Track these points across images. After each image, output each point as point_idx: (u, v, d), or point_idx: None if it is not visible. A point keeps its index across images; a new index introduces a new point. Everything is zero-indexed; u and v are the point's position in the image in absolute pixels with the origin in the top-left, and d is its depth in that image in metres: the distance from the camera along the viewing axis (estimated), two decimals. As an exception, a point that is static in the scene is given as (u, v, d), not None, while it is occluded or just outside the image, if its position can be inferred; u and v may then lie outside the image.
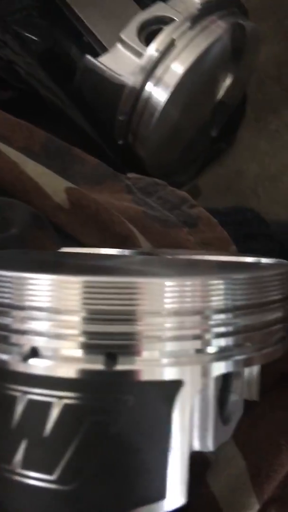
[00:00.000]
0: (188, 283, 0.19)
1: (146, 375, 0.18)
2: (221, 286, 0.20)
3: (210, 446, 0.21)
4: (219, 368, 0.20)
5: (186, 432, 0.18)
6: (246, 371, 0.25)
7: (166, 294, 0.19)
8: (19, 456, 0.19)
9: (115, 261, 0.27)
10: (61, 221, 0.35)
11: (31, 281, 0.19)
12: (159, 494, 0.18)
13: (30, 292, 0.19)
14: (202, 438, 0.21)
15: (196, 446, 0.21)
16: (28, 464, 0.19)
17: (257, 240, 0.40)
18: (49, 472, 0.18)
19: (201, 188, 0.60)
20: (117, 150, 0.51)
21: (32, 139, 0.41)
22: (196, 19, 0.46)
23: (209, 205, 0.43)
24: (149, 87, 0.46)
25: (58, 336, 0.18)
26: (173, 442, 0.18)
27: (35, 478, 0.19)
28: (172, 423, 0.18)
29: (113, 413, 0.18)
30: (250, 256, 0.26)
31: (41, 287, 0.18)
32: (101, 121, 0.50)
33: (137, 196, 0.41)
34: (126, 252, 0.30)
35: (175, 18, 0.47)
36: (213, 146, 0.60)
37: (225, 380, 0.24)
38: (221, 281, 0.20)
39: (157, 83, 0.46)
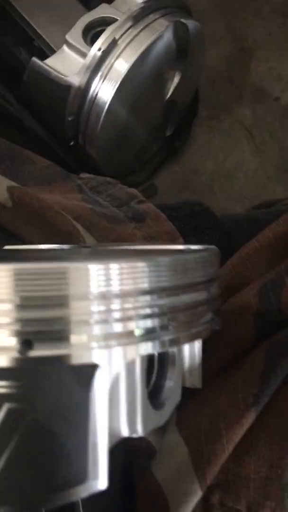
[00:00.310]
0: (113, 266, 0.19)
1: (61, 361, 0.18)
2: (145, 269, 0.20)
3: (139, 430, 0.21)
4: (145, 349, 0.20)
5: (105, 417, 0.18)
6: (186, 357, 0.25)
7: (90, 278, 0.19)
8: None
9: (50, 254, 0.27)
10: (4, 219, 0.35)
11: None
12: (81, 477, 0.18)
13: None
14: (131, 422, 0.21)
15: (125, 431, 0.21)
16: None
17: (205, 232, 0.41)
18: None
19: (158, 187, 0.61)
20: (69, 152, 0.51)
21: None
22: (137, 18, 0.46)
23: (166, 203, 0.43)
24: (95, 86, 0.46)
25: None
26: (92, 425, 0.18)
27: None
28: (90, 407, 0.18)
29: (29, 399, 0.18)
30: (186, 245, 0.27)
31: None
32: (51, 123, 0.50)
33: (88, 195, 0.41)
34: (65, 247, 0.31)
35: (118, 18, 0.47)
36: (168, 145, 0.61)
37: (160, 366, 0.24)
38: (144, 263, 0.20)
39: (102, 81, 0.46)
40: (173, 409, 0.24)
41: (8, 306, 0.18)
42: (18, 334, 0.18)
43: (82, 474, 0.18)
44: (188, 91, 0.57)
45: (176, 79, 0.53)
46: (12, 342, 0.18)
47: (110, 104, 0.46)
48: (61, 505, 0.19)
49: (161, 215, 0.41)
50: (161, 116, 0.57)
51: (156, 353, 0.22)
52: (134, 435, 0.21)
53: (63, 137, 0.50)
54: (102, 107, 0.46)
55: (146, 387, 0.21)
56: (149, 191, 0.59)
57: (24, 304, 0.18)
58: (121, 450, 0.25)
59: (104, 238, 0.37)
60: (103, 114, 0.47)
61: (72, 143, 0.50)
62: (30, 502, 0.18)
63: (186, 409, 0.27)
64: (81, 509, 0.22)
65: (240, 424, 0.25)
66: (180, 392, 0.25)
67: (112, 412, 0.20)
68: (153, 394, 0.23)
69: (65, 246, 0.31)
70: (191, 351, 0.25)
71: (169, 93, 0.53)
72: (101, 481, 0.18)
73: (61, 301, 0.19)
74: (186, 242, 0.39)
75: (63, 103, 0.47)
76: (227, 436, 0.25)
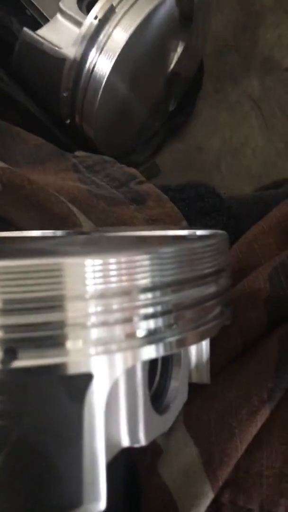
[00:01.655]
0: (110, 260, 0.17)
1: (51, 371, 0.16)
2: (147, 262, 0.18)
3: (142, 440, 0.19)
4: (149, 352, 0.18)
5: (100, 431, 0.16)
6: (193, 352, 0.23)
7: (83, 276, 0.16)
8: None
9: (42, 244, 0.25)
10: (-7, 204, 0.32)
11: None
12: (75, 501, 0.16)
13: None
14: (132, 431, 0.19)
15: (126, 441, 0.19)
16: None
17: (210, 216, 0.38)
18: None
19: (161, 166, 0.58)
20: (65, 130, 0.48)
21: None
22: (136, -18, 0.43)
23: (170, 183, 0.41)
24: (92, 58, 0.43)
25: None
26: (87, 442, 0.16)
27: None
28: (84, 422, 0.16)
29: (15, 415, 0.15)
30: (191, 229, 0.24)
31: None
32: (45, 99, 0.47)
33: (84, 175, 0.39)
34: (59, 233, 0.28)
35: (115, -17, 0.44)
36: (171, 121, 0.58)
37: (164, 365, 0.22)
38: (145, 256, 0.18)
39: (99, 53, 0.43)
40: (179, 411, 0.22)
41: None
42: (0, 342, 0.16)
43: (76, 498, 0.16)
44: (192, 62, 0.54)
45: (179, 49, 0.49)
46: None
47: (108, 78, 0.43)
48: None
49: (163, 196, 0.38)
50: (163, 90, 0.53)
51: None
52: (136, 445, 0.19)
53: (59, 115, 0.47)
54: (100, 81, 0.43)
55: (149, 390, 0.19)
56: (152, 171, 0.56)
57: (7, 307, 0.16)
58: (123, 450, 0.24)
59: (103, 222, 0.34)
60: (101, 89, 0.43)
61: (68, 122, 0.47)
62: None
63: (193, 405, 0.25)
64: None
65: (254, 421, 0.23)
66: (187, 392, 0.23)
67: (111, 421, 0.18)
68: (157, 397, 0.21)
69: (59, 232, 0.29)
70: (198, 346, 0.23)
71: (172, 65, 0.50)
72: (99, 503, 0.16)
73: (52, 303, 0.16)
74: (190, 225, 0.36)
75: (58, 78, 0.44)
76: (240, 436, 0.23)
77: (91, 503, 0.16)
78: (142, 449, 0.25)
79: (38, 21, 0.49)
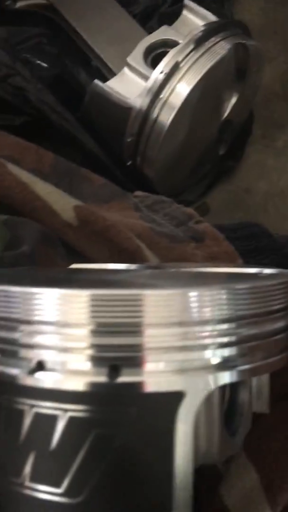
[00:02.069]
0: (191, 294, 0.19)
1: (149, 387, 0.18)
2: (224, 296, 0.20)
3: (216, 458, 0.21)
4: (223, 378, 0.20)
5: (190, 444, 0.18)
6: (254, 382, 0.25)
7: (170, 306, 0.19)
8: (27, 469, 0.19)
9: (122, 275, 0.28)
10: (70, 238, 0.36)
11: (38, 296, 0.19)
12: (165, 507, 0.18)
13: (38, 307, 0.19)
14: (208, 451, 0.21)
15: (201, 459, 0.21)
16: (37, 477, 0.19)
17: (264, 254, 0.40)
18: (56, 485, 0.18)
19: (210, 206, 0.61)
20: (126, 171, 0.52)
21: (41, 161, 0.42)
22: (199, 41, 0.47)
23: (219, 222, 0.43)
24: (156, 108, 0.47)
25: (64, 350, 0.19)
26: (178, 454, 0.18)
27: (43, 491, 0.19)
28: (176, 434, 0.18)
29: (117, 425, 0.18)
30: (254, 267, 0.27)
31: (49, 301, 0.19)
32: (110, 143, 0.51)
33: (144, 213, 0.42)
34: (133, 266, 0.31)
35: (179, 41, 0.48)
36: (221, 164, 0.61)
37: (232, 392, 0.24)
38: (224, 291, 0.20)
39: (163, 104, 0.47)
40: (244, 435, 0.24)
41: (84, 332, 0.19)
42: (105, 359, 0.19)
43: (167, 504, 0.18)
44: (244, 110, 0.58)
45: (233, 99, 0.53)
46: (97, 367, 0.18)
47: (170, 127, 0.47)
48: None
49: (220, 235, 0.41)
50: (216, 135, 0.57)
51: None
52: (209, 463, 0.21)
53: (121, 157, 0.51)
54: (162, 129, 0.47)
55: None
56: (201, 210, 0.59)
57: (110, 330, 0.19)
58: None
59: (165, 258, 0.37)
60: (163, 136, 0.47)
61: (129, 163, 0.51)
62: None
63: (251, 433, 0.27)
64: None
65: None
66: (251, 419, 0.25)
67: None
68: (227, 421, 0.23)
69: (131, 266, 0.32)
70: (260, 376, 0.25)
71: (226, 113, 0.54)
72: (187, 509, 0.18)
73: (137, 328, 0.19)
74: (245, 263, 0.39)
75: (123, 125, 0.48)
76: None
77: (179, 510, 0.18)
78: (200, 473, 0.27)
79: (101, 72, 0.54)
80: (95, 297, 0.19)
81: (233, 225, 0.44)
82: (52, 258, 0.34)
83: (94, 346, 0.19)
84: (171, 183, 0.55)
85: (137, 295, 0.19)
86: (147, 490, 0.18)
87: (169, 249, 0.38)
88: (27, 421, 0.19)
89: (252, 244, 0.42)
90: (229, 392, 0.24)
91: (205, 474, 0.27)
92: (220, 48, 0.47)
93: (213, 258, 0.38)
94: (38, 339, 0.19)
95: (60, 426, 0.18)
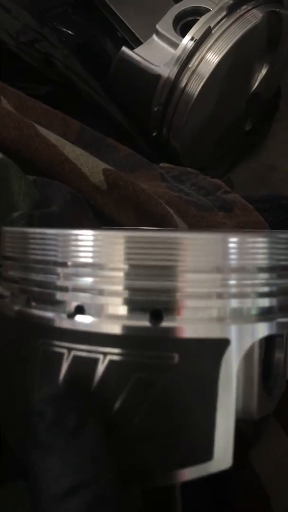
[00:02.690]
0: (232, 239, 0.19)
1: (191, 332, 0.18)
2: (266, 245, 0.19)
3: (254, 414, 0.20)
4: (263, 330, 0.19)
5: (232, 393, 0.18)
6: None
7: (210, 251, 0.18)
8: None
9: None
10: (98, 202, 0.35)
11: (75, 237, 0.19)
12: (206, 455, 0.17)
13: (75, 249, 0.19)
14: (246, 405, 0.20)
15: (239, 414, 0.20)
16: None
17: (293, 226, 0.39)
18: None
19: (234, 182, 0.60)
20: (152, 142, 0.51)
21: (68, 128, 0.41)
22: (231, 8, 0.46)
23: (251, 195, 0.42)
24: (184, 77, 0.46)
25: (102, 292, 0.18)
26: (220, 402, 0.18)
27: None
28: (219, 382, 0.18)
29: (158, 370, 0.18)
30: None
31: (85, 243, 0.19)
32: (136, 113, 0.51)
33: (171, 184, 0.41)
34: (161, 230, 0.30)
35: (210, 8, 0.47)
36: (246, 139, 0.60)
37: (267, 352, 0.23)
38: (265, 239, 0.20)
39: (192, 73, 0.46)
40: (280, 396, 0.23)
41: (121, 274, 0.18)
42: (143, 303, 0.18)
43: (207, 452, 0.17)
44: (272, 84, 0.56)
45: (263, 71, 0.52)
46: (135, 310, 0.18)
47: (198, 97, 0.46)
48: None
49: (249, 206, 0.40)
50: (243, 109, 0.56)
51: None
52: (248, 418, 0.20)
53: (146, 128, 0.51)
54: (190, 99, 0.46)
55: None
56: (225, 186, 0.58)
57: (149, 273, 0.18)
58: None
59: (194, 226, 0.36)
60: (190, 106, 0.46)
61: (154, 134, 0.50)
62: (153, 474, 0.17)
63: (281, 399, 0.26)
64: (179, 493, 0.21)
65: None
66: (285, 381, 0.24)
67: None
68: (263, 381, 0.23)
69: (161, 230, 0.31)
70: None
71: (255, 86, 0.53)
72: (227, 459, 0.18)
73: (174, 272, 0.18)
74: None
75: (151, 93, 0.48)
76: None
77: (220, 459, 0.17)
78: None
79: (127, 42, 0.53)
80: (131, 239, 0.18)
81: (261, 197, 0.43)
82: (81, 220, 0.33)
83: (130, 289, 0.18)
84: (196, 156, 0.54)
85: (175, 238, 0.18)
86: (188, 437, 0.17)
87: (197, 218, 0.37)
88: (65, 364, 0.18)
89: (280, 216, 0.41)
90: (263, 352, 0.23)
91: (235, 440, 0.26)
92: (252, 16, 0.46)
93: (243, 228, 0.37)
94: (75, 282, 0.19)
95: (100, 369, 0.18)
